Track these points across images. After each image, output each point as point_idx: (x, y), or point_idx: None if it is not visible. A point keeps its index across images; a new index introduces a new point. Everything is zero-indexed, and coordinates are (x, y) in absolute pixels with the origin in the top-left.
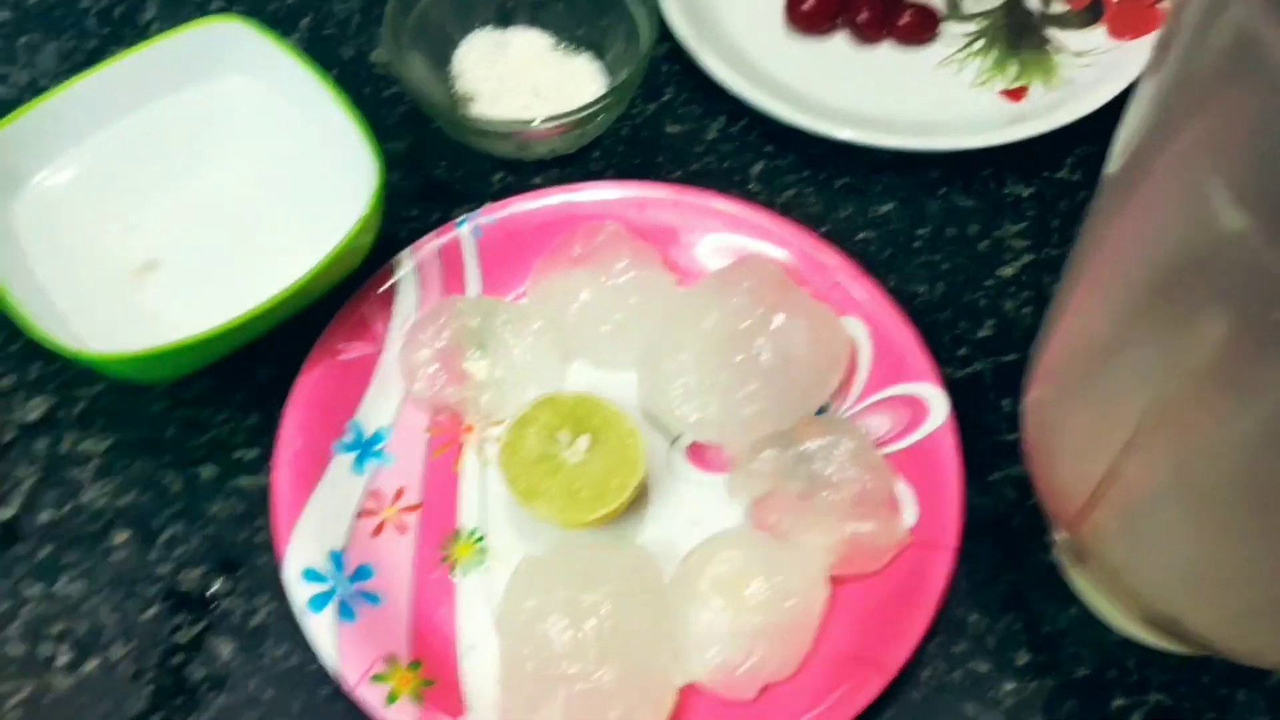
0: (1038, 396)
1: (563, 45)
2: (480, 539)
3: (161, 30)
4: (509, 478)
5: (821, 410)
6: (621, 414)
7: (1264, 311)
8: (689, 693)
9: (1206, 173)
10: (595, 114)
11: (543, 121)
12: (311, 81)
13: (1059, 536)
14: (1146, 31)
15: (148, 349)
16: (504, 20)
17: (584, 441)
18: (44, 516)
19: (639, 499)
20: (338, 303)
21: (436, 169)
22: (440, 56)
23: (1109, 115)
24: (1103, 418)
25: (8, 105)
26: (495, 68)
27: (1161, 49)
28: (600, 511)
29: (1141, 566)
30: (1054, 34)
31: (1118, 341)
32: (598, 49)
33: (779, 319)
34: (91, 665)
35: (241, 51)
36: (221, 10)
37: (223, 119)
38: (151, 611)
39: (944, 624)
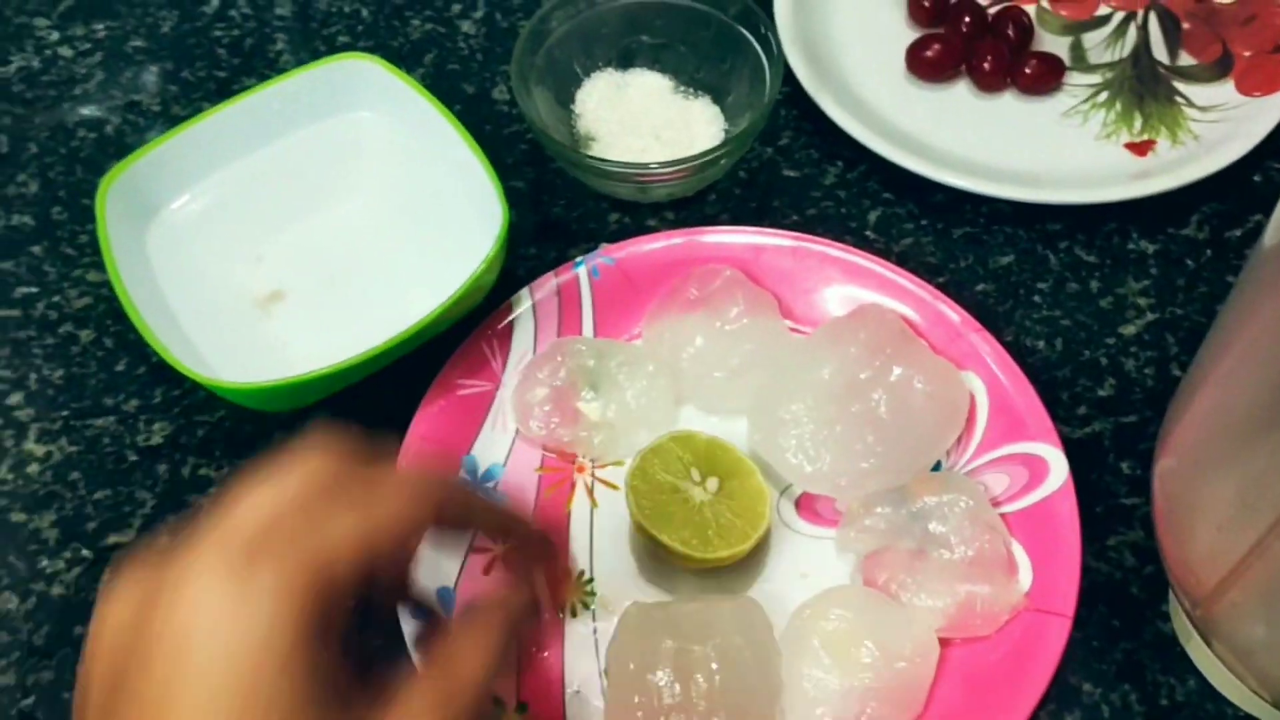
0: (1170, 465)
1: (682, 88)
2: (589, 581)
3: (290, 63)
4: (635, 500)
5: (937, 466)
6: (752, 466)
7: None
8: None
9: None
10: (715, 159)
11: (662, 165)
12: (438, 118)
13: (1183, 609)
14: (1278, 88)
15: (274, 381)
16: (625, 61)
17: (713, 483)
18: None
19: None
20: (455, 338)
21: (555, 208)
22: (564, 95)
23: (1238, 172)
24: (1250, 495)
25: (140, 131)
26: (616, 109)
27: None
28: (723, 553)
29: None
30: (1181, 87)
31: (1272, 417)
32: (717, 92)
33: (897, 371)
34: None
35: (371, 88)
36: (348, 44)
37: (351, 154)
38: None
39: (1056, 692)
